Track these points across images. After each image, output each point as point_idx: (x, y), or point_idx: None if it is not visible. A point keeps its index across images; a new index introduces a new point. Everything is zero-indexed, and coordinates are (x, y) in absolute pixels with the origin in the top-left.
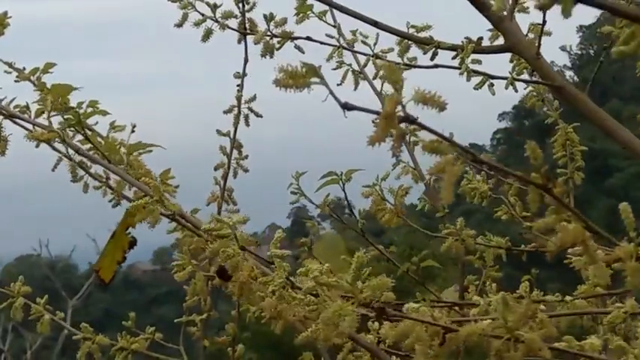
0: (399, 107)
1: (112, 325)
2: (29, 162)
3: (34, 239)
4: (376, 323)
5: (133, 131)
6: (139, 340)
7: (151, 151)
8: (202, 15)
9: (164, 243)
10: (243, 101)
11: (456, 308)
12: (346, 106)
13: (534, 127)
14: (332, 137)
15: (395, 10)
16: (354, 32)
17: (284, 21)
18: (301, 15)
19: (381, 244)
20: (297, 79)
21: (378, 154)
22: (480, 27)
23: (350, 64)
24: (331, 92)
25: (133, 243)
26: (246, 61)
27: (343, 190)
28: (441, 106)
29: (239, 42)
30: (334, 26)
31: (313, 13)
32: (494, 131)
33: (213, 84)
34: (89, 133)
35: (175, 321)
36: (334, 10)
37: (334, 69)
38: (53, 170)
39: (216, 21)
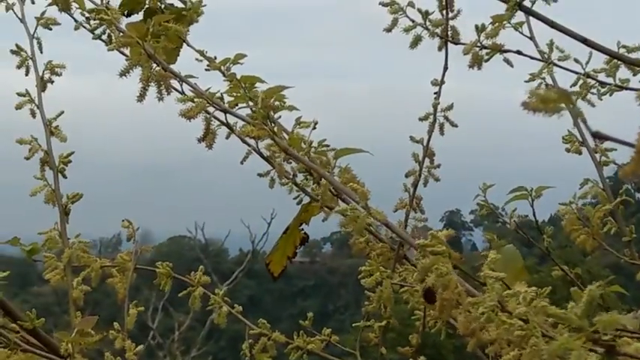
0: None
1: (254, 312)
2: (188, 142)
3: (188, 220)
4: None
5: (314, 128)
6: (315, 340)
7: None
8: (413, 21)
9: (315, 236)
10: (439, 109)
11: None
12: (597, 135)
13: None
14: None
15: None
16: (561, 50)
17: (495, 33)
18: (497, 25)
19: (534, 255)
20: (548, 103)
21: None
22: None
23: (544, 79)
24: (583, 120)
25: (305, 239)
26: (445, 68)
27: (532, 205)
28: None
29: (439, 49)
30: (530, 38)
31: (510, 24)
32: None
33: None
34: (274, 127)
35: (353, 325)
36: (531, 22)
37: (527, 81)
38: (242, 163)
39: (427, 28)
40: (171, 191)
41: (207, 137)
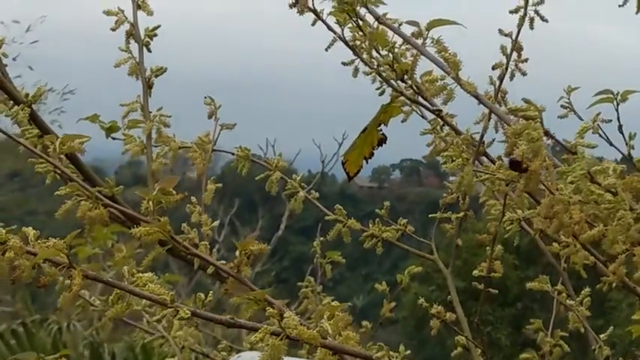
0: None
1: (320, 234)
2: (265, 57)
3: (259, 138)
4: None
5: (400, 25)
6: (391, 229)
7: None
8: None
9: (384, 162)
10: (530, 2)
11: None
12: None
13: None
14: None
15: None
16: None
17: None
18: None
19: None
20: None
21: None
22: None
23: None
24: None
25: (382, 140)
26: None
27: (616, 110)
28: None
29: None
30: None
31: None
32: None
33: None
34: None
35: (430, 216)
36: None
37: None
38: (327, 50)
39: None
40: (244, 108)
41: (300, 2)
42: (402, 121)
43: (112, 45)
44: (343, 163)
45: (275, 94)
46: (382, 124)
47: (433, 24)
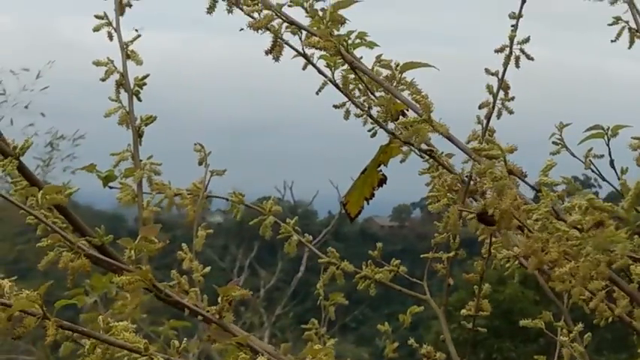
0: None
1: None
2: (278, 99)
3: (277, 180)
4: (638, 267)
5: (396, 68)
6: (384, 271)
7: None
8: None
9: (405, 200)
10: (515, 42)
11: None
12: None
13: None
14: None
15: None
16: None
17: None
18: None
19: None
20: None
21: None
22: None
23: (627, 22)
24: None
25: (383, 180)
26: (523, 1)
27: (607, 144)
28: None
29: None
30: None
31: None
32: None
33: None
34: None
35: (422, 256)
36: None
37: (610, 24)
38: (317, 94)
39: None
40: (260, 151)
41: (275, 49)
42: (401, 162)
43: None
44: (344, 205)
45: (290, 136)
46: (382, 165)
47: (406, 67)
